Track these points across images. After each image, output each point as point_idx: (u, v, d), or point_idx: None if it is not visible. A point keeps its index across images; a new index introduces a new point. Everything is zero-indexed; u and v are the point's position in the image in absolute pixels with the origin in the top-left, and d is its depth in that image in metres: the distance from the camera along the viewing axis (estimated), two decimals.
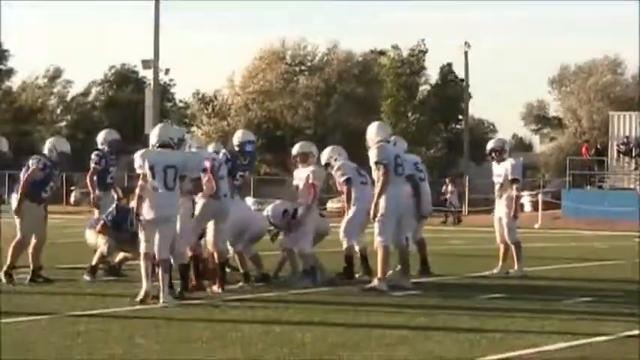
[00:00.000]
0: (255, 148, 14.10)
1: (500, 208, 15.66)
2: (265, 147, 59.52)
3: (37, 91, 71.00)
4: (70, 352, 8.33)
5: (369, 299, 12.14)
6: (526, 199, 45.43)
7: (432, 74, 64.75)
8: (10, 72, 73.47)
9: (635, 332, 9.77)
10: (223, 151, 13.65)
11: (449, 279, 15.11)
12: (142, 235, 11.47)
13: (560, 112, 69.51)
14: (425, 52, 61.62)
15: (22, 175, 13.80)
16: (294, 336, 9.20)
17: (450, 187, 44.37)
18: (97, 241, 14.15)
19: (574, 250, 23.24)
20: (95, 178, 15.48)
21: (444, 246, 22.84)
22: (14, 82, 73.01)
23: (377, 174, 13.13)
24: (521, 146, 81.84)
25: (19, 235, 13.65)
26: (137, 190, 11.51)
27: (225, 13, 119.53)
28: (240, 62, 71.29)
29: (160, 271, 11.36)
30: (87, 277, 13.89)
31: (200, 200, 12.54)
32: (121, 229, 13.76)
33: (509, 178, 15.49)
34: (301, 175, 14.03)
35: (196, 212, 12.48)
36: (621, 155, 44.39)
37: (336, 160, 14.57)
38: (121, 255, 14.29)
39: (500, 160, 15.75)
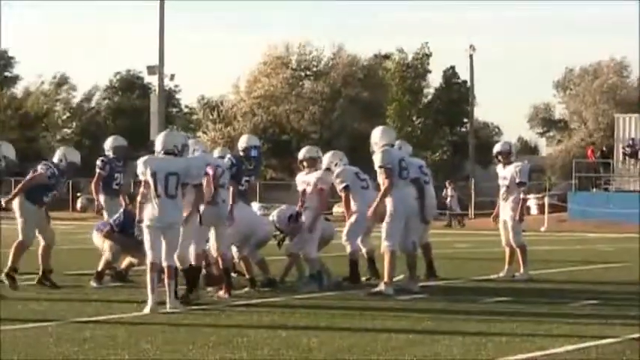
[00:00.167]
0: (261, 153, 14.12)
1: (506, 211, 15.67)
2: (271, 152, 59.59)
3: (43, 98, 71.07)
4: (76, 358, 8.34)
5: (375, 303, 12.14)
6: (532, 202, 45.44)
7: (436, 77, 64.84)
8: (15, 79, 73.67)
9: None
10: (228, 156, 13.67)
11: (455, 282, 15.12)
12: (146, 243, 11.46)
13: (565, 116, 69.49)
14: (429, 55, 61.68)
15: (28, 175, 13.85)
16: (300, 341, 9.21)
17: (449, 191, 44.29)
18: (103, 245, 14.19)
19: (579, 253, 23.23)
20: (101, 184, 15.54)
21: (449, 249, 22.84)
22: (18, 89, 73.24)
23: (381, 178, 13.15)
24: (526, 149, 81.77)
25: (20, 237, 13.68)
26: (139, 198, 11.51)
27: (228, 15, 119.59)
28: (245, 67, 71.14)
29: (165, 278, 11.38)
30: (93, 283, 13.91)
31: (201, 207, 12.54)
32: (128, 234, 13.78)
33: (517, 181, 15.51)
34: (308, 180, 14.03)
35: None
36: (627, 157, 44.37)
37: (336, 165, 14.56)
38: (127, 261, 14.31)
39: (507, 163, 15.76)
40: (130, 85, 74.17)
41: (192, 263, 12.14)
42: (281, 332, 9.72)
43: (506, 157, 15.83)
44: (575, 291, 14.11)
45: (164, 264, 11.37)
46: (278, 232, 14.22)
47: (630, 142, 44.04)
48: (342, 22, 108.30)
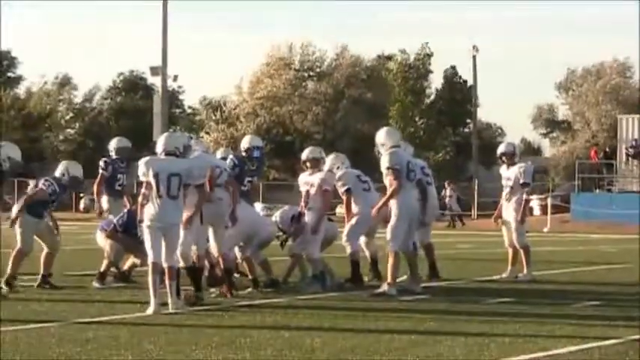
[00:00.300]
0: (263, 153, 14.11)
1: (509, 212, 15.67)
2: (274, 152, 59.56)
3: (46, 98, 71.06)
4: (79, 358, 8.35)
5: (378, 304, 12.15)
6: (535, 203, 45.40)
7: (437, 77, 64.76)
8: (18, 79, 73.68)
9: None
10: (231, 156, 13.68)
11: (458, 283, 15.12)
12: (147, 243, 11.46)
13: (569, 116, 69.43)
14: (430, 55, 61.62)
15: (30, 191, 13.89)
16: (303, 341, 9.21)
17: (448, 191, 44.24)
18: (105, 244, 14.20)
19: (582, 254, 23.22)
20: (104, 185, 15.55)
21: (452, 250, 22.85)
22: (20, 89, 73.21)
23: (389, 179, 13.15)
24: (529, 150, 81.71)
25: (18, 245, 13.68)
26: (140, 199, 11.51)
27: (230, 15, 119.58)
28: (248, 68, 70.98)
29: (166, 278, 11.38)
30: (96, 284, 13.92)
31: None
32: (131, 234, 13.79)
33: (520, 182, 15.52)
34: (311, 181, 14.03)
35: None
36: (630, 158, 44.35)
37: (338, 168, 14.55)
38: (130, 261, 14.33)
39: (511, 164, 15.77)
40: (133, 86, 74.17)
41: (195, 262, 12.14)
42: (284, 333, 9.72)
43: (510, 158, 15.84)
44: (578, 292, 14.11)
45: (165, 265, 11.37)
46: (281, 233, 14.23)
47: (633, 142, 44.01)
48: (342, 22, 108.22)
